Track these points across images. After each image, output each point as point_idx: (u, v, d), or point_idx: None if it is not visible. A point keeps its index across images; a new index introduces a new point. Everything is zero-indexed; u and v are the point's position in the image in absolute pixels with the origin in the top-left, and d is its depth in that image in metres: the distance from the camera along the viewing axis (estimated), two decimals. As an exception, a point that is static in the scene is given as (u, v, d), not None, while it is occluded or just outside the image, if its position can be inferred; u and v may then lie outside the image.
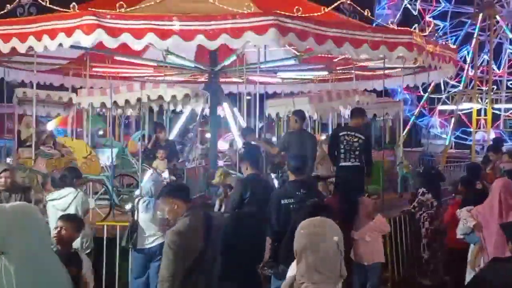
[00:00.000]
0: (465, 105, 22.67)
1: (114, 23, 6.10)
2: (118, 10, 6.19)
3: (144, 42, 6.20)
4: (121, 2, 6.30)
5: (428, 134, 26.72)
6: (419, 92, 25.67)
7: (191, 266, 3.15)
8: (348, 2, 6.83)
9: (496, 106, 23.78)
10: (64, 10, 6.27)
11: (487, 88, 22.59)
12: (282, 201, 4.74)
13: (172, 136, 10.54)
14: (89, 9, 6.22)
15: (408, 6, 26.19)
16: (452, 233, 5.98)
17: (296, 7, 6.37)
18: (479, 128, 23.06)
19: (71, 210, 5.25)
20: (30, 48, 6.63)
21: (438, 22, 25.55)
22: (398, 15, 26.30)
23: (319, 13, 6.71)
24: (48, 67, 10.92)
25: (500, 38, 25.51)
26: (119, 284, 5.81)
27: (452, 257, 6.04)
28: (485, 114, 21.98)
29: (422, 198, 6.48)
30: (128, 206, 7.34)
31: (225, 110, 10.42)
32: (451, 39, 21.74)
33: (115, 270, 5.81)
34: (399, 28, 7.69)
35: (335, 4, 6.97)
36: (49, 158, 8.05)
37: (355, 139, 6.39)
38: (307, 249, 2.16)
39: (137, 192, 5.74)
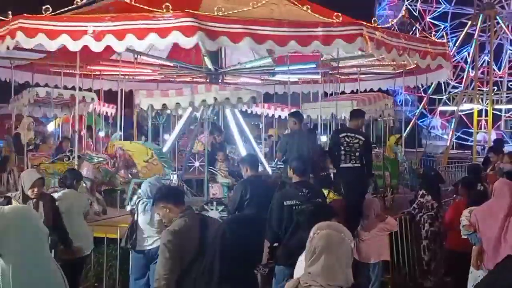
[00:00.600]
0: (466, 106, 22.66)
1: (214, 26, 6.08)
2: (216, 14, 6.22)
3: (242, 45, 6.31)
4: (219, 6, 6.36)
5: (429, 135, 26.71)
6: (420, 93, 25.68)
7: (188, 266, 3.17)
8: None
9: (497, 106, 23.76)
10: (156, 10, 6.16)
11: (487, 89, 22.57)
12: (285, 203, 4.73)
13: (172, 138, 10.54)
14: (186, 10, 6.19)
15: (409, 7, 26.20)
16: (452, 234, 5.97)
17: (374, 18, 7.06)
18: (480, 129, 23.05)
19: (72, 212, 5.25)
20: (108, 46, 6.43)
21: (438, 23, 25.59)
22: (399, 16, 26.30)
23: (388, 25, 7.71)
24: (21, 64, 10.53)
25: (501, 39, 25.51)
26: (119, 286, 5.81)
27: (453, 259, 6.03)
28: (486, 115, 21.96)
29: (422, 200, 6.46)
30: (128, 207, 7.35)
31: (226, 112, 10.43)
32: (452, 40, 21.75)
33: (115, 271, 5.82)
34: (439, 40, 8.65)
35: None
36: (96, 162, 7.86)
37: (355, 141, 6.39)
38: (325, 250, 2.17)
39: (138, 192, 5.74)
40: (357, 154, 6.35)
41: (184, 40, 6.05)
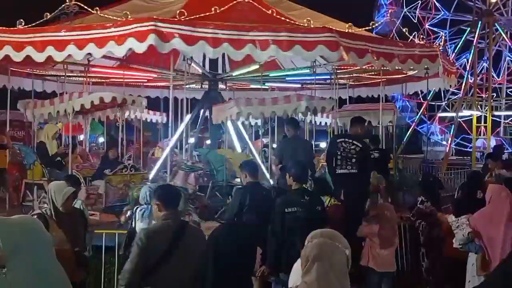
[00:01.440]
0: (465, 112, 22.69)
1: (346, 42, 6.53)
2: (347, 30, 6.82)
3: (364, 61, 6.92)
4: (350, 23, 6.93)
5: (428, 141, 26.72)
6: (419, 99, 25.71)
7: (152, 268, 3.35)
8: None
9: (496, 113, 23.79)
10: (302, 25, 6.48)
11: (486, 95, 22.62)
12: (287, 210, 4.73)
13: (172, 143, 10.55)
14: (326, 26, 6.67)
15: (408, 14, 26.31)
16: (451, 241, 5.96)
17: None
18: (479, 135, 23.06)
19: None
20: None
21: (437, 30, 25.67)
22: (398, 23, 26.42)
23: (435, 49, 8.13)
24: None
25: (499, 46, 25.59)
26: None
27: (452, 265, 6.02)
28: (485, 121, 21.99)
29: (421, 207, 6.44)
30: (127, 214, 7.33)
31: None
32: (451, 47, 21.83)
33: (114, 278, 5.80)
34: (452, 60, 9.95)
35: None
36: (193, 171, 7.67)
37: (352, 146, 6.38)
38: (318, 258, 2.15)
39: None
40: (353, 160, 6.34)
41: (328, 53, 6.47)
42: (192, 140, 13.06)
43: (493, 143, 21.34)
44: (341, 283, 2.14)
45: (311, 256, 2.17)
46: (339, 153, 6.37)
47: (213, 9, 6.60)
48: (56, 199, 4.23)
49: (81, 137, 12.65)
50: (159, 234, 3.45)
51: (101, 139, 12.99)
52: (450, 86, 11.41)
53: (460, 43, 24.59)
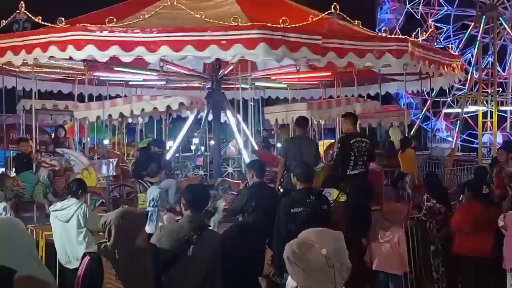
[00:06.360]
0: (471, 108, 22.54)
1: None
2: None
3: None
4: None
5: (434, 138, 26.57)
6: (424, 96, 25.56)
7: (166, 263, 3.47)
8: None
9: (502, 108, 23.62)
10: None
11: (492, 90, 22.47)
12: (292, 210, 4.69)
13: (176, 144, 10.52)
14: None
15: (411, 10, 26.19)
16: (459, 239, 5.91)
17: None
18: (486, 130, 22.91)
19: (74, 222, 5.17)
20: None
21: (441, 25, 25.53)
22: (401, 19, 26.31)
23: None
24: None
25: (504, 40, 25.40)
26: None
27: (459, 263, 5.97)
28: (491, 117, 21.84)
29: (429, 204, 6.37)
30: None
31: (228, 117, 10.43)
32: (455, 42, 21.71)
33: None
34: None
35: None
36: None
37: (363, 144, 6.33)
38: (288, 260, 2.09)
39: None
40: (364, 158, 6.30)
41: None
42: (196, 140, 13.06)
43: (499, 138, 21.20)
44: (321, 285, 2.02)
45: (285, 257, 2.11)
46: (352, 154, 6.27)
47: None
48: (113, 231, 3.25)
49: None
50: (172, 233, 3.52)
51: (106, 141, 12.95)
52: (455, 81, 11.28)
53: (464, 38, 24.43)
